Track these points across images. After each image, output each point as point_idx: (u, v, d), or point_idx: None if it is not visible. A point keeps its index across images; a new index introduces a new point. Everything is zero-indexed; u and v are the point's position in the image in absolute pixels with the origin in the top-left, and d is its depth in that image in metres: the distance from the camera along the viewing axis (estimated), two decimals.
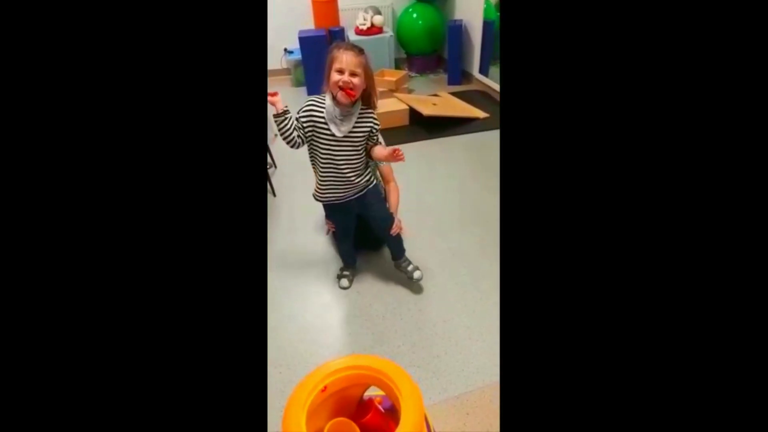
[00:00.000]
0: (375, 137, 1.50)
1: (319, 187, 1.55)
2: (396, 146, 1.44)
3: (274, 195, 2.42)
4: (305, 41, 3.60)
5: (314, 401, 0.94)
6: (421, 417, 0.87)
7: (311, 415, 0.93)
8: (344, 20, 3.90)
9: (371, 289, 1.78)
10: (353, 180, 1.51)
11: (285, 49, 3.96)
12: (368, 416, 1.00)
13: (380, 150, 1.49)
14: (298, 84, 3.96)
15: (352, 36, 3.81)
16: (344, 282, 1.78)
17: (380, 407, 1.06)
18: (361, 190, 1.56)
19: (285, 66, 4.05)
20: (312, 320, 1.66)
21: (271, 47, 3.74)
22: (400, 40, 3.99)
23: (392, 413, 0.99)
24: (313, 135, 1.44)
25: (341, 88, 1.33)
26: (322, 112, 1.40)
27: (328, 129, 1.41)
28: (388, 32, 3.89)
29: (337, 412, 1.03)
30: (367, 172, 1.56)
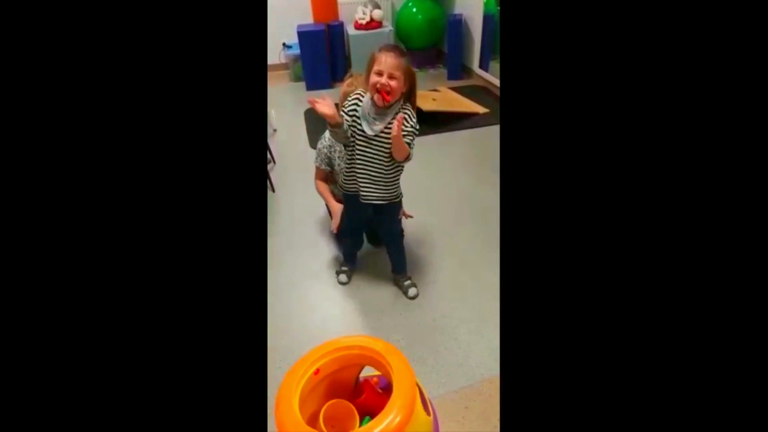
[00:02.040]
0: (405, 135, 1.35)
1: (344, 177, 1.53)
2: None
3: (273, 191, 2.42)
4: (304, 36, 3.58)
5: (307, 385, 0.94)
6: (412, 389, 0.87)
7: (305, 398, 0.93)
8: (343, 14, 3.87)
9: (370, 284, 1.78)
10: (377, 183, 1.47)
11: (283, 44, 3.94)
12: (364, 396, 1.01)
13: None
14: (296, 79, 3.94)
15: (351, 30, 3.79)
16: (343, 278, 1.78)
17: (376, 387, 1.07)
18: (382, 201, 1.51)
19: (283, 61, 4.03)
20: (311, 316, 1.66)
21: (269, 42, 3.72)
22: (400, 34, 3.97)
23: (389, 392, 1.00)
24: (351, 129, 1.42)
25: (378, 91, 1.31)
26: (360, 108, 1.40)
27: (360, 126, 1.39)
28: (388, 26, 3.86)
29: (333, 394, 1.03)
30: (394, 183, 1.51)
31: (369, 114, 1.38)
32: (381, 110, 1.37)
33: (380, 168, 1.44)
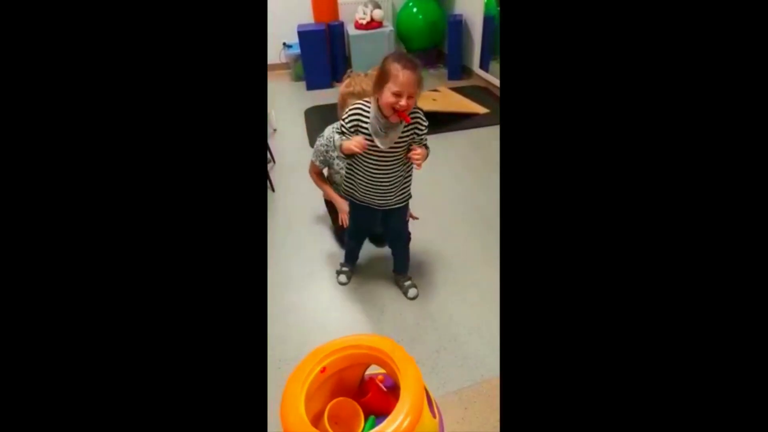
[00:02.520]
0: (421, 140, 1.37)
1: (354, 190, 1.49)
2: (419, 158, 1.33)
3: (273, 190, 2.41)
4: (304, 35, 3.58)
5: (313, 383, 0.94)
6: (421, 392, 0.87)
7: (311, 397, 0.93)
8: (343, 14, 3.87)
9: (369, 284, 1.78)
10: (392, 191, 1.45)
11: (284, 44, 3.94)
12: (369, 395, 1.00)
13: (414, 152, 1.35)
14: (297, 78, 3.94)
15: (351, 30, 3.79)
16: (342, 278, 1.78)
17: (381, 386, 1.06)
18: (395, 204, 1.49)
19: (284, 60, 4.03)
20: (310, 316, 1.66)
21: (269, 41, 3.72)
22: (400, 34, 3.97)
23: (394, 391, 0.99)
24: None
25: (396, 111, 1.24)
26: (367, 122, 1.31)
27: (372, 141, 1.32)
28: (388, 27, 3.86)
29: (338, 392, 1.03)
30: (407, 184, 1.49)
31: (380, 128, 1.30)
32: (392, 122, 1.30)
33: (392, 175, 1.41)
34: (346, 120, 1.35)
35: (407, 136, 1.35)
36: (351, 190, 1.51)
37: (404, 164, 1.41)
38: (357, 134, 1.34)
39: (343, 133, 1.36)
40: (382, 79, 1.24)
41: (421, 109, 1.37)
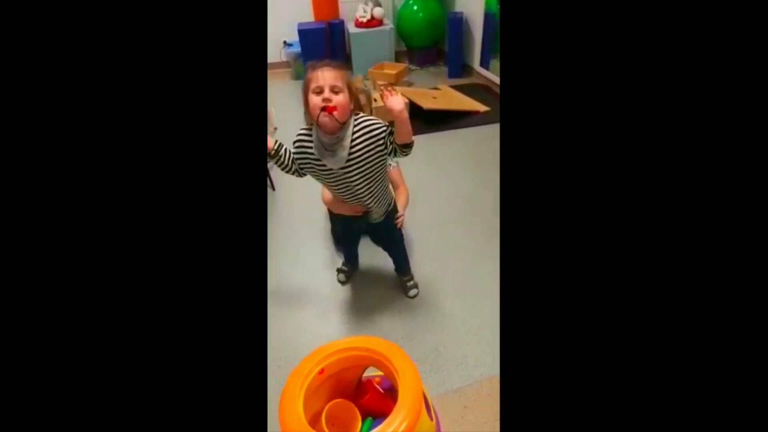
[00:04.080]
0: (389, 149, 1.21)
1: (332, 205, 1.45)
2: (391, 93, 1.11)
3: (273, 189, 2.41)
4: (305, 34, 3.58)
5: (312, 384, 0.94)
6: (419, 395, 0.87)
7: (309, 398, 0.93)
8: (344, 12, 3.87)
9: (369, 283, 1.78)
10: (370, 207, 1.38)
11: (284, 42, 3.94)
12: (366, 397, 1.01)
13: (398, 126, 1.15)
14: (297, 77, 3.94)
15: (351, 28, 3.78)
16: (341, 277, 1.78)
17: (379, 387, 1.07)
18: (375, 219, 1.44)
19: (284, 59, 4.03)
20: (309, 314, 1.66)
21: (270, 40, 3.72)
22: (401, 32, 3.96)
23: (391, 393, 0.99)
24: (312, 170, 1.29)
25: (323, 109, 1.13)
26: (311, 146, 1.23)
27: (324, 165, 1.23)
28: (388, 24, 3.86)
29: (336, 394, 1.03)
30: (387, 199, 1.41)
31: (325, 147, 1.20)
32: (335, 137, 1.18)
33: (364, 191, 1.31)
34: (294, 151, 1.29)
35: (362, 148, 1.20)
36: (333, 207, 1.48)
37: (373, 179, 1.29)
38: (307, 162, 1.28)
39: (296, 163, 1.31)
40: (305, 90, 1.18)
41: (375, 119, 1.23)
